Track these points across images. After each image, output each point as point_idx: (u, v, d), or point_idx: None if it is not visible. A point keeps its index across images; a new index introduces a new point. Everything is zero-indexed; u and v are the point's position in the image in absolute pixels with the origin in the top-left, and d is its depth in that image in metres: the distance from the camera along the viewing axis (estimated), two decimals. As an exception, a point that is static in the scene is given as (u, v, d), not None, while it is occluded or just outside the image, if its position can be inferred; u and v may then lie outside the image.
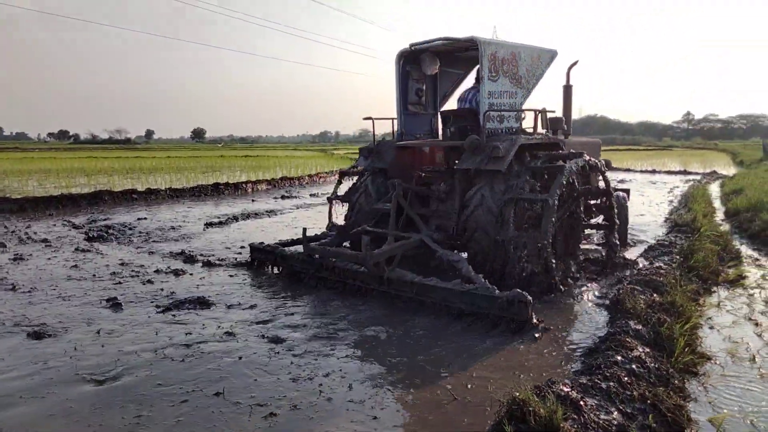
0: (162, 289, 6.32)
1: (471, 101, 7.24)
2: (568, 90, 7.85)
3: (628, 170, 25.11)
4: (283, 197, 16.56)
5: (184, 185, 17.86)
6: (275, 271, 7.14)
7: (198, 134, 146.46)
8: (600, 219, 7.49)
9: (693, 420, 3.27)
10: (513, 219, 5.93)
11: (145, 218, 12.02)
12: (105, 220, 11.77)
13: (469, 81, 8.29)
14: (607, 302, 5.48)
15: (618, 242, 7.18)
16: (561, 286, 6.06)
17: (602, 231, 7.42)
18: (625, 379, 3.46)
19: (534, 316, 4.92)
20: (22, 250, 8.58)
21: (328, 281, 6.40)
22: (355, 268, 6.10)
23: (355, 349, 4.53)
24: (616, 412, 3.10)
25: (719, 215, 11.22)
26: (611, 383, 3.38)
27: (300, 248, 6.81)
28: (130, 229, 10.60)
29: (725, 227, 9.69)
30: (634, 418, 3.10)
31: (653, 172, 25.42)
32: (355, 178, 8.27)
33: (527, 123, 7.22)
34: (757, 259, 7.47)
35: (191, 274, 7.05)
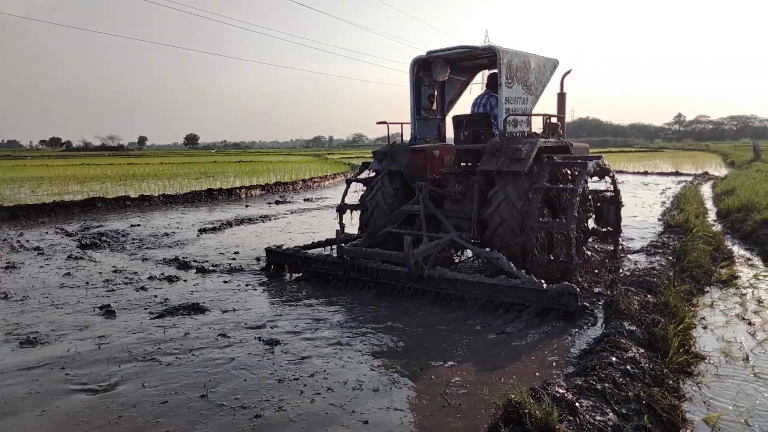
0: (156, 296, 6.29)
1: (485, 106, 7.59)
2: (562, 97, 8.09)
3: (620, 172, 25.21)
4: (277, 202, 16.54)
5: (177, 191, 17.80)
6: (294, 275, 7.21)
7: (191, 140, 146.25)
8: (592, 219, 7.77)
9: (688, 420, 3.28)
10: (539, 208, 6.31)
11: (139, 225, 11.98)
12: (98, 227, 11.72)
13: (472, 87, 8.88)
14: (602, 303, 5.50)
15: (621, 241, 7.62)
16: (578, 276, 6.38)
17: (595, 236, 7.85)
18: (620, 379, 3.47)
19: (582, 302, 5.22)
20: (14, 258, 8.52)
21: (359, 282, 6.50)
22: (390, 268, 6.23)
23: (354, 351, 4.51)
24: (611, 413, 3.11)
25: (711, 216, 11.29)
26: (606, 384, 3.38)
27: (321, 251, 7.14)
28: (124, 236, 10.55)
29: (717, 228, 9.75)
30: (629, 419, 3.10)
31: (645, 173, 25.58)
32: (357, 184, 8.56)
33: (533, 128, 7.68)
34: (749, 259, 7.52)
35: (185, 281, 7.02)
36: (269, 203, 16.39)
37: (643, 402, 3.27)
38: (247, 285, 6.76)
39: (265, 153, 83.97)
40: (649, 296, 5.26)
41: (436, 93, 8.28)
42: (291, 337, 4.90)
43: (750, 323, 5.00)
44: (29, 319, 5.53)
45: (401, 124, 8.20)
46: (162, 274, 7.32)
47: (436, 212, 6.96)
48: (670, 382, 3.67)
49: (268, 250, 7.56)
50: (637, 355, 3.88)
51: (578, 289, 5.21)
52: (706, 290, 6.07)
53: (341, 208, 8.18)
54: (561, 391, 3.18)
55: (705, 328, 4.92)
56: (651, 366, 3.79)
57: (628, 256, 7.80)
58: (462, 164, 7.64)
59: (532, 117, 7.53)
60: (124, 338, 4.93)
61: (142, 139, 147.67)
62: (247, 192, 18.60)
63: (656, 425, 3.10)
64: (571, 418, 2.95)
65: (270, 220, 12.72)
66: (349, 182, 8.55)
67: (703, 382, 3.84)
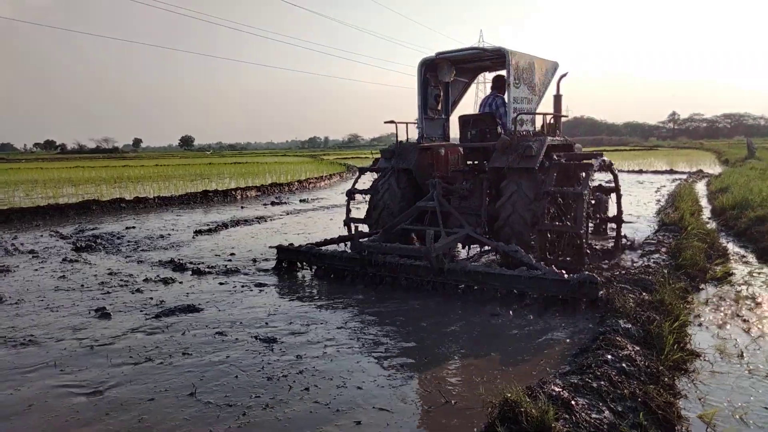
0: (151, 298, 6.27)
1: (491, 106, 7.90)
2: (558, 98, 8.29)
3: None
4: (272, 203, 16.51)
5: (172, 193, 17.75)
6: (307, 271, 7.32)
7: (186, 142, 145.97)
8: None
9: (683, 417, 3.29)
10: (548, 210, 6.60)
11: (134, 227, 11.94)
12: (93, 229, 11.67)
13: (473, 89, 9.37)
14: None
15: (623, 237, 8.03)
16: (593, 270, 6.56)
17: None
18: (616, 377, 3.48)
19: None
20: (8, 261, 8.48)
21: (376, 277, 6.60)
22: (409, 263, 6.34)
23: (350, 351, 4.51)
24: (607, 411, 3.12)
25: (706, 213, 11.34)
26: (602, 382, 3.39)
27: (335, 248, 7.39)
28: (119, 238, 10.52)
29: (712, 225, 9.79)
30: (625, 417, 3.11)
31: (640, 172, 25.66)
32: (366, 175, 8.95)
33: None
34: (743, 256, 7.56)
35: (181, 283, 7.00)
36: (265, 204, 16.36)
37: (639, 400, 3.28)
38: (243, 286, 6.75)
39: (260, 154, 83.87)
40: (644, 294, 5.28)
41: (441, 93, 8.57)
42: (286, 336, 4.89)
43: (745, 320, 5.03)
44: (24, 322, 5.50)
45: (407, 123, 8.48)
46: (157, 276, 7.30)
47: (450, 209, 7.16)
48: (666, 379, 3.68)
49: (279, 248, 7.60)
50: (633, 352, 3.89)
51: (599, 279, 5.38)
52: (701, 288, 6.10)
53: (350, 193, 8.51)
54: (557, 389, 3.19)
55: (700, 325, 4.94)
56: (646, 363, 3.80)
57: (624, 252, 7.84)
58: (469, 162, 7.99)
59: (535, 117, 7.80)
60: (120, 340, 4.91)
61: (137, 141, 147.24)
62: (242, 193, 18.57)
63: (652, 423, 3.11)
64: (567, 416, 2.95)
65: (266, 221, 12.70)
66: (362, 171, 8.96)
67: (699, 379, 3.85)
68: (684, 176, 21.61)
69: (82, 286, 6.92)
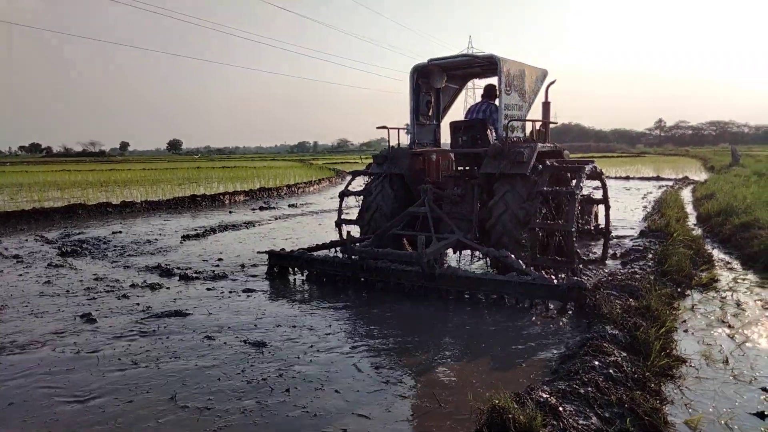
0: (138, 304, 6.21)
1: (485, 112, 7.98)
2: (546, 106, 8.40)
3: (603, 177, 25.49)
4: (261, 208, 16.45)
5: (160, 198, 17.63)
6: (299, 277, 7.35)
7: (174, 146, 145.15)
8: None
9: (669, 423, 3.31)
10: (540, 209, 6.67)
11: (120, 232, 11.83)
12: (79, 234, 11.55)
13: (463, 95, 9.57)
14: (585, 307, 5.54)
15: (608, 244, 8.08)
16: (581, 274, 6.76)
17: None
18: (603, 383, 3.49)
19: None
20: (-8, 266, 8.36)
21: (368, 282, 6.65)
22: (401, 268, 6.37)
23: (338, 354, 4.49)
24: (594, 417, 3.13)
25: (691, 220, 11.45)
26: (589, 388, 3.40)
27: (326, 253, 7.45)
28: (105, 243, 10.42)
29: (697, 232, 9.90)
30: (612, 423, 3.13)
31: (627, 178, 25.91)
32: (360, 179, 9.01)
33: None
34: (728, 263, 7.64)
35: (168, 288, 6.95)
36: (253, 209, 16.30)
37: (626, 405, 3.29)
38: (230, 292, 6.71)
39: (249, 158, 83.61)
40: (631, 300, 5.32)
41: (432, 100, 8.64)
42: (272, 341, 4.87)
43: (730, 326, 5.08)
44: (8, 328, 5.42)
45: (398, 129, 8.54)
46: (144, 281, 7.24)
47: (441, 214, 7.22)
48: (652, 385, 3.70)
49: (270, 253, 7.59)
50: (620, 358, 3.92)
51: (587, 284, 5.45)
52: (686, 294, 6.15)
53: (343, 194, 8.58)
54: (544, 395, 3.20)
55: (686, 331, 4.98)
56: (633, 370, 3.82)
57: (609, 260, 7.89)
58: (460, 168, 8.06)
59: (525, 123, 7.88)
60: (105, 346, 4.86)
61: (124, 145, 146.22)
62: (231, 198, 18.49)
63: (639, 428, 3.13)
64: (554, 422, 2.96)
65: (254, 226, 12.65)
66: (354, 174, 9.06)
67: (685, 384, 3.88)
68: (670, 183, 21.84)
69: (68, 291, 6.84)
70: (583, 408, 3.20)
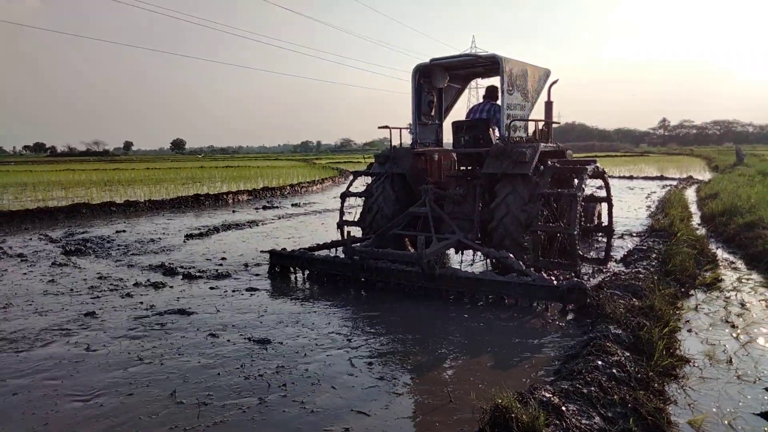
0: (141, 303, 6.23)
1: (489, 112, 7.96)
2: (549, 105, 8.36)
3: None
4: (264, 208, 16.47)
5: (163, 197, 17.67)
6: (300, 276, 7.36)
7: (178, 145, 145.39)
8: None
9: (673, 423, 3.30)
10: (541, 211, 6.65)
11: (124, 231, 11.86)
12: (83, 233, 11.58)
13: (465, 94, 9.58)
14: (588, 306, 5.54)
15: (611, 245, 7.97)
16: (582, 275, 6.71)
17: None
18: (606, 383, 3.49)
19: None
20: (-4, 265, 8.39)
21: (368, 282, 6.65)
22: (401, 268, 6.38)
23: (339, 352, 4.50)
24: (597, 417, 3.13)
25: (696, 220, 11.42)
26: (592, 388, 3.40)
27: (327, 253, 7.43)
28: (109, 242, 10.44)
29: (701, 231, 9.87)
30: (615, 423, 3.12)
31: (631, 178, 25.83)
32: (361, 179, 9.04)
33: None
34: (732, 263, 7.61)
35: (171, 287, 6.96)
36: (256, 208, 16.31)
37: (629, 405, 3.29)
38: (234, 291, 6.72)
39: (252, 158, 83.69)
40: (634, 300, 5.31)
41: (435, 99, 8.62)
42: (275, 339, 4.88)
43: (733, 326, 5.06)
44: (12, 326, 5.44)
45: (400, 129, 8.52)
46: (148, 280, 7.26)
47: (442, 214, 7.20)
48: (656, 385, 3.70)
49: (272, 253, 7.60)
50: (623, 358, 3.91)
51: (587, 286, 5.42)
52: (690, 293, 6.14)
53: (345, 195, 8.55)
54: (547, 395, 3.19)
55: (690, 331, 4.97)
56: (636, 369, 3.82)
57: (614, 259, 7.87)
58: (462, 168, 8.02)
59: (528, 123, 7.85)
60: (109, 344, 4.87)
61: (127, 144, 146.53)
62: (234, 197, 18.51)
63: (642, 429, 3.12)
64: (557, 422, 2.96)
65: (257, 225, 12.66)
66: (356, 174, 9.01)
67: (688, 385, 3.87)
68: (674, 182, 21.77)
69: (72, 290, 6.87)
70: (586, 408, 3.20)
